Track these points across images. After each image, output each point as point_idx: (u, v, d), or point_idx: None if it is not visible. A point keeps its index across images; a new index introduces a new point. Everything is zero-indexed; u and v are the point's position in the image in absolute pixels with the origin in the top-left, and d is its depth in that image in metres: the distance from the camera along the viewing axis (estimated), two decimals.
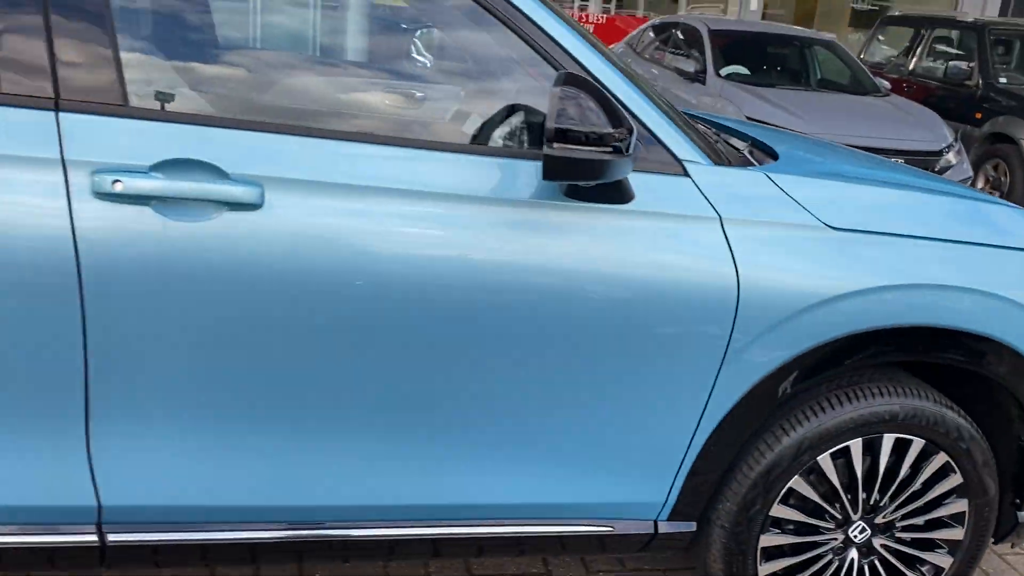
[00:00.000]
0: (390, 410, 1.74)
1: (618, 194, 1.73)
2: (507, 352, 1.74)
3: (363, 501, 1.80)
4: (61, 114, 1.55)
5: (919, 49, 9.43)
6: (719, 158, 1.90)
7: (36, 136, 1.53)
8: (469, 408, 1.77)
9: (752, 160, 2.09)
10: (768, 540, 2.06)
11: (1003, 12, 12.76)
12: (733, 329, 1.81)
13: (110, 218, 1.54)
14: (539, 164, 1.70)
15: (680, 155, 1.83)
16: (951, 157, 6.52)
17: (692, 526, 2.01)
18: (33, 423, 1.62)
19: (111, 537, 1.71)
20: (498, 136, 1.94)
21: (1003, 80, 8.24)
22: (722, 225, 1.81)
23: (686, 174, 1.83)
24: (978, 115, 8.14)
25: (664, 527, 1.98)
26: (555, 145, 1.54)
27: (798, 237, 1.87)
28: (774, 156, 2.22)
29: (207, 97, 1.87)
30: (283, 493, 1.76)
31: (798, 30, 8.87)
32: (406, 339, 1.69)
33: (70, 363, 1.58)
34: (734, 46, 7.86)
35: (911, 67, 9.33)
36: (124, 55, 1.59)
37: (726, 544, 2.03)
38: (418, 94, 2.10)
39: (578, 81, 1.59)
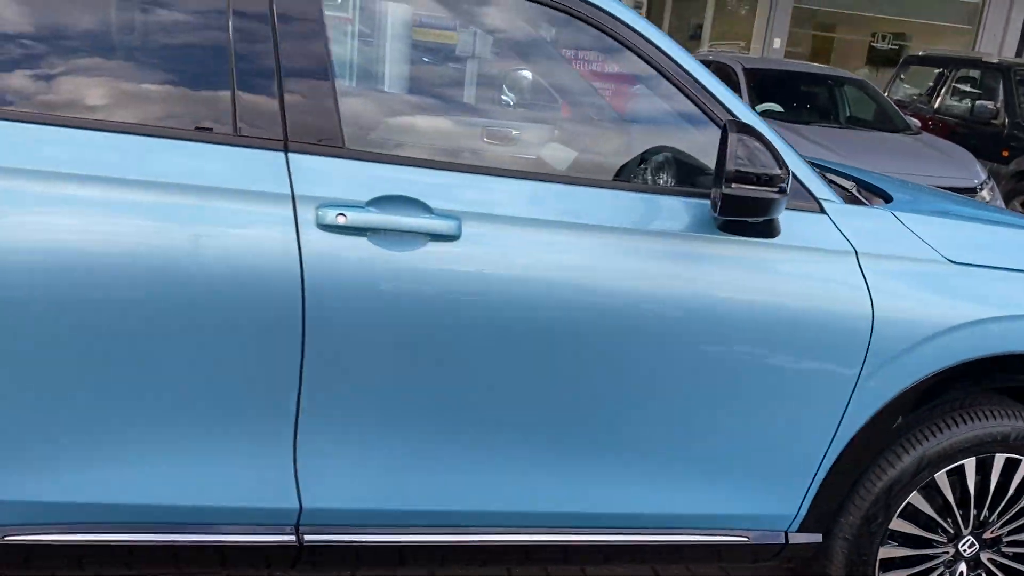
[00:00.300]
0: (563, 426, 1.91)
1: (768, 229, 1.92)
2: (666, 374, 1.91)
3: (531, 508, 1.97)
4: (290, 155, 1.74)
5: (943, 89, 9.68)
6: (847, 197, 2.09)
7: (270, 174, 1.72)
8: (630, 426, 1.94)
9: (862, 199, 2.27)
10: (886, 552, 2.21)
11: (1019, 52, 13.05)
12: (867, 355, 1.98)
13: (332, 247, 1.72)
14: (693, 200, 1.89)
15: (817, 194, 2.02)
16: (985, 194, 6.70)
17: (819, 538, 2.17)
18: (247, 430, 1.79)
19: (307, 537, 1.87)
20: (644, 174, 2.13)
21: None
22: (858, 259, 1.99)
23: (823, 211, 2.01)
24: (1005, 153, 8.36)
25: (794, 538, 2.14)
26: (733, 185, 1.73)
27: (923, 271, 2.05)
28: (881, 195, 2.40)
29: (410, 139, 2.06)
30: (462, 499, 1.92)
31: (830, 69, 9.12)
32: (582, 360, 1.86)
33: (288, 377, 1.75)
34: (767, 84, 8.09)
35: (936, 106, 9.57)
36: (341, 103, 1.78)
37: (848, 555, 2.19)
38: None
39: (747, 128, 1.78)
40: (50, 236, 1.61)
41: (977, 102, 8.69)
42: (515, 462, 1.92)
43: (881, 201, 2.33)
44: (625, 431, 1.95)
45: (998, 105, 8.59)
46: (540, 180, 1.90)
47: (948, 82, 9.68)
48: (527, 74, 2.11)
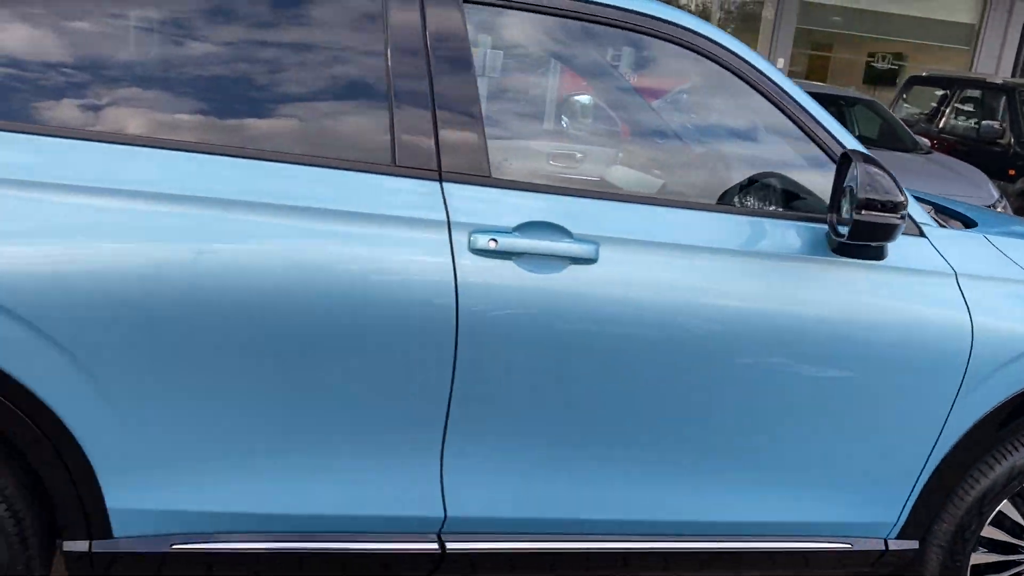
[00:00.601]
0: (689, 438, 2.01)
1: (878, 253, 2.03)
2: (785, 389, 2.03)
3: (649, 517, 2.07)
4: (444, 184, 1.85)
5: (947, 109, 9.89)
6: (941, 221, 2.21)
7: (427, 202, 1.83)
8: (752, 439, 2.05)
9: (943, 223, 2.39)
10: (977, 558, 2.33)
11: (1014, 73, 13.32)
12: (966, 372, 2.10)
13: (483, 270, 1.83)
14: (804, 224, 2.02)
15: (918, 219, 2.15)
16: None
17: (915, 544, 2.28)
18: (398, 443, 1.89)
19: (450, 545, 1.97)
20: (748, 199, 2.25)
21: None
22: (957, 280, 2.11)
23: (923, 235, 2.14)
24: (1011, 172, 8.56)
25: (893, 545, 2.25)
26: (863, 212, 1.85)
27: (1015, 291, 2.17)
28: (958, 218, 2.53)
29: (547, 168, 2.17)
30: (591, 508, 2.02)
31: (840, 89, 9.31)
32: (708, 378, 1.97)
33: (440, 390, 1.85)
34: None
35: (940, 126, 9.78)
36: (488, 134, 1.89)
37: (943, 562, 2.30)
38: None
39: (870, 158, 1.90)
40: (242, 265, 1.71)
41: (983, 122, 8.89)
42: (642, 473, 2.03)
43: (960, 224, 2.46)
44: (747, 444, 2.06)
45: (1004, 125, 8.80)
46: (667, 206, 2.01)
47: (952, 102, 9.89)
48: (652, 112, 2.23)
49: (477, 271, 1.83)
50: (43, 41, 1.76)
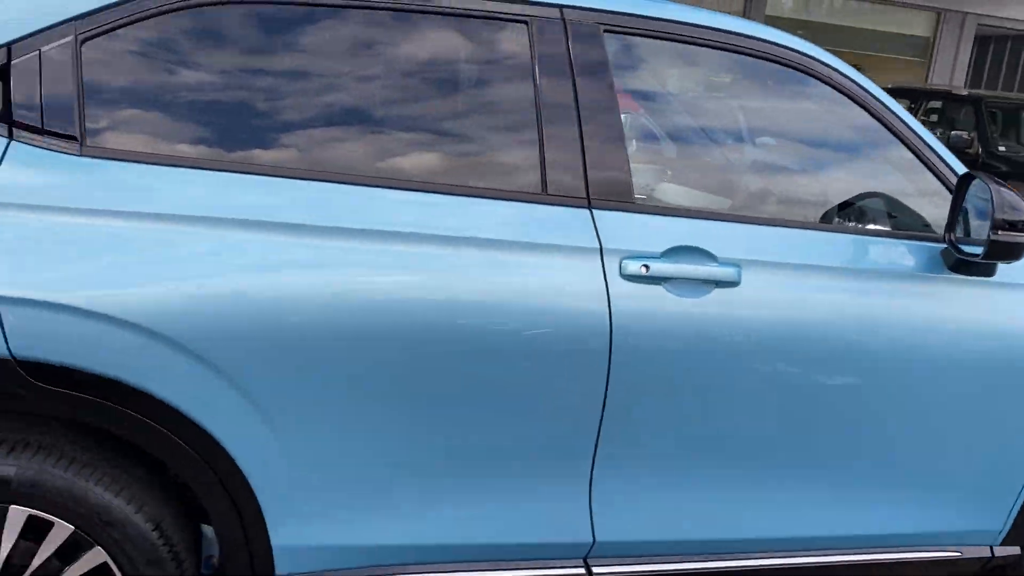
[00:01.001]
0: (826, 455, 2.06)
1: (989, 270, 2.11)
2: (909, 404, 2.08)
3: (784, 534, 2.11)
4: (594, 211, 1.86)
5: None
6: None
7: (579, 229, 1.84)
8: (881, 454, 2.10)
9: None
10: None
11: (966, 84, 13.82)
12: None
13: (634, 295, 1.85)
14: (917, 243, 2.08)
15: None
16: None
17: (1017, 550, 2.35)
18: (548, 471, 1.90)
19: (596, 570, 1.98)
20: (853, 219, 2.31)
21: (1002, 148, 9.01)
22: None
23: None
24: None
25: (999, 551, 2.32)
26: (999, 232, 1.91)
27: None
28: None
29: (688, 193, 2.19)
30: (735, 527, 2.05)
31: None
32: (844, 394, 2.02)
33: (592, 414, 1.87)
34: None
35: None
36: (633, 164, 1.92)
37: None
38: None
39: (999, 180, 1.97)
40: (409, 298, 1.71)
41: (952, 132, 9.21)
42: (780, 491, 2.06)
43: None
44: (877, 459, 2.11)
45: (972, 135, 9.12)
46: (796, 227, 2.06)
47: (917, 114, 10.22)
48: (769, 139, 2.28)
49: (629, 297, 1.84)
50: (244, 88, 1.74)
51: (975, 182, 2.02)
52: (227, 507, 1.70)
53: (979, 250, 1.98)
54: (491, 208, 1.81)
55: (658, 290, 1.87)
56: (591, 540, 1.96)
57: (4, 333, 1.51)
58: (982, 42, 13.79)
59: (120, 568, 1.69)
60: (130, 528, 1.67)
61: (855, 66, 2.18)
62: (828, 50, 2.17)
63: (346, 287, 1.68)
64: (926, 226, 2.21)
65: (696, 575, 2.07)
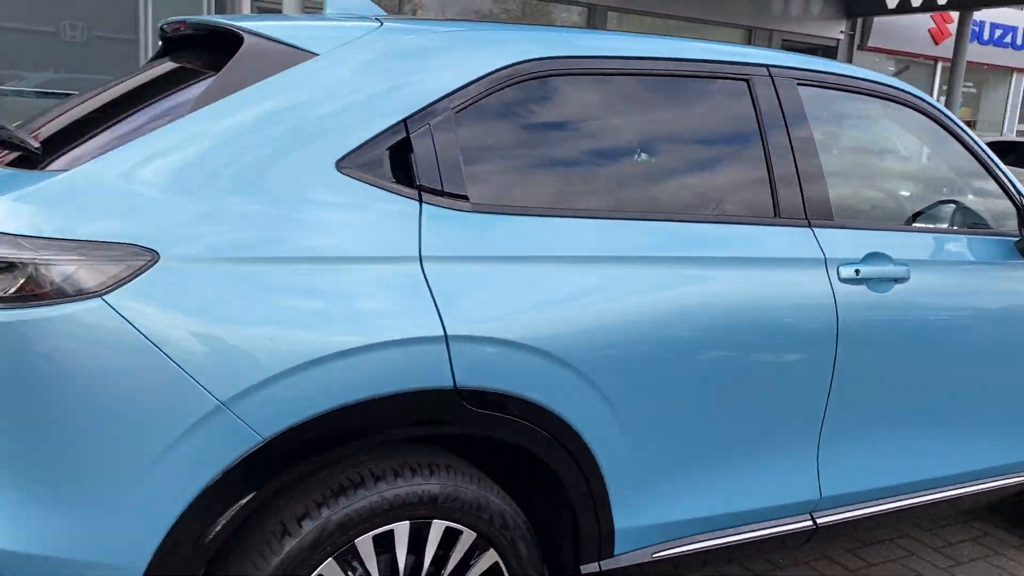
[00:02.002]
0: (951, 409, 2.62)
1: None
2: (1003, 361, 2.69)
3: (942, 473, 2.66)
4: (814, 229, 2.32)
5: None
6: None
7: (806, 244, 2.29)
8: (981, 403, 2.69)
9: None
10: None
11: None
12: None
13: (850, 293, 2.33)
14: (994, 238, 2.70)
15: None
16: None
17: None
18: (782, 441, 2.32)
19: (821, 520, 2.43)
20: (940, 220, 2.91)
21: None
22: None
23: None
24: None
25: None
26: None
27: None
28: None
29: (861, 210, 2.67)
30: (909, 473, 2.57)
31: None
32: (983, 357, 2.60)
33: (822, 389, 2.32)
34: None
35: None
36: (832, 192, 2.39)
37: None
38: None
39: None
40: (693, 305, 2.09)
41: None
42: (941, 441, 2.61)
43: None
44: (997, 406, 2.70)
45: None
46: (926, 232, 2.61)
47: None
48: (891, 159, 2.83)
49: (847, 294, 2.32)
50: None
51: None
52: (586, 498, 2.00)
53: None
54: (744, 232, 2.22)
55: (862, 288, 2.36)
56: (818, 496, 2.41)
57: (452, 367, 1.76)
58: None
59: (508, 566, 1.95)
60: (516, 530, 1.95)
61: None
62: None
63: (679, 302, 2.04)
64: (994, 224, 2.84)
65: (884, 514, 2.57)
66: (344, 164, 1.77)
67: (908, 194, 2.81)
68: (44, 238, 1.52)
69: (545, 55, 2.03)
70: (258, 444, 1.62)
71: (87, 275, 1.52)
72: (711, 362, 2.12)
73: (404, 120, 1.84)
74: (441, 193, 1.85)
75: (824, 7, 15.65)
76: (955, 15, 15.65)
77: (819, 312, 2.27)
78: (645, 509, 2.12)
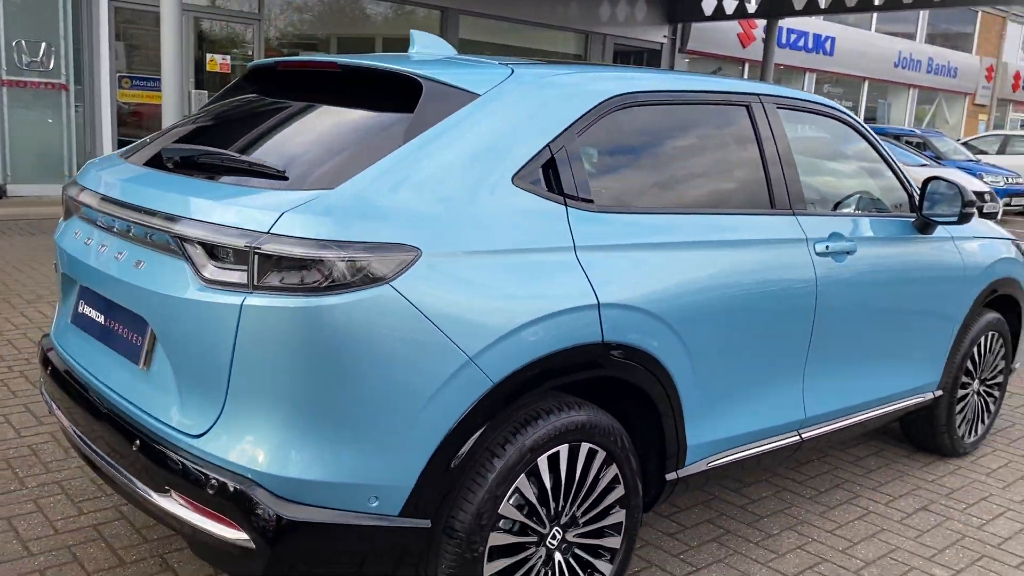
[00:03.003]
0: (876, 346, 3.52)
1: (931, 230, 3.73)
2: (912, 305, 3.63)
3: (869, 398, 3.55)
4: (796, 216, 3.12)
5: None
6: None
7: (792, 228, 3.08)
8: (890, 341, 3.61)
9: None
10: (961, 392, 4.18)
11: None
12: (967, 282, 3.91)
13: (821, 264, 3.14)
14: (899, 219, 3.64)
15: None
16: None
17: (941, 393, 4.04)
18: (782, 375, 3.11)
19: (805, 435, 3.24)
20: (868, 209, 3.80)
21: None
22: (955, 241, 3.90)
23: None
24: None
25: (936, 393, 3.99)
26: (966, 208, 3.50)
27: (977, 242, 4.03)
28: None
29: (820, 199, 3.45)
30: (858, 396, 3.44)
31: None
32: (897, 303, 3.51)
33: (806, 334, 3.12)
34: None
35: None
36: (804, 187, 3.19)
37: (949, 402, 4.11)
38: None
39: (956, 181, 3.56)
40: (730, 276, 2.81)
41: None
42: (870, 372, 3.49)
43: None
44: (896, 345, 3.62)
45: None
46: (864, 216, 3.48)
47: None
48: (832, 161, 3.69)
49: (820, 264, 3.13)
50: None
51: (938, 181, 3.60)
52: (670, 419, 2.67)
53: (954, 218, 3.57)
54: (747, 220, 2.97)
55: (829, 259, 3.18)
56: (803, 416, 3.22)
57: (602, 326, 2.39)
58: (622, 56, 16.77)
59: (624, 478, 2.59)
60: (628, 450, 2.59)
61: None
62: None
63: (721, 272, 2.76)
64: (896, 209, 3.77)
65: (840, 430, 3.43)
66: (516, 179, 2.34)
67: (843, 186, 3.67)
68: (345, 242, 2.01)
69: (627, 91, 2.68)
70: (489, 388, 2.18)
71: (379, 268, 2.03)
72: (741, 313, 2.84)
73: (548, 144, 2.44)
74: (576, 198, 2.46)
75: (648, 14, 17.02)
76: (761, 23, 17.51)
77: (805, 276, 3.07)
78: (702, 429, 2.83)
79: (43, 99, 10.64)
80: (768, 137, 3.11)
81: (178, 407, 2.17)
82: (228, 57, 11.97)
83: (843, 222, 3.34)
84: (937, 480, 4.07)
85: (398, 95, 2.43)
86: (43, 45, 10.43)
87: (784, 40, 19.86)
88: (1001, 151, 19.51)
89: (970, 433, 4.38)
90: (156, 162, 2.58)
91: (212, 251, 2.08)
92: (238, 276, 2.03)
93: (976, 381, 4.31)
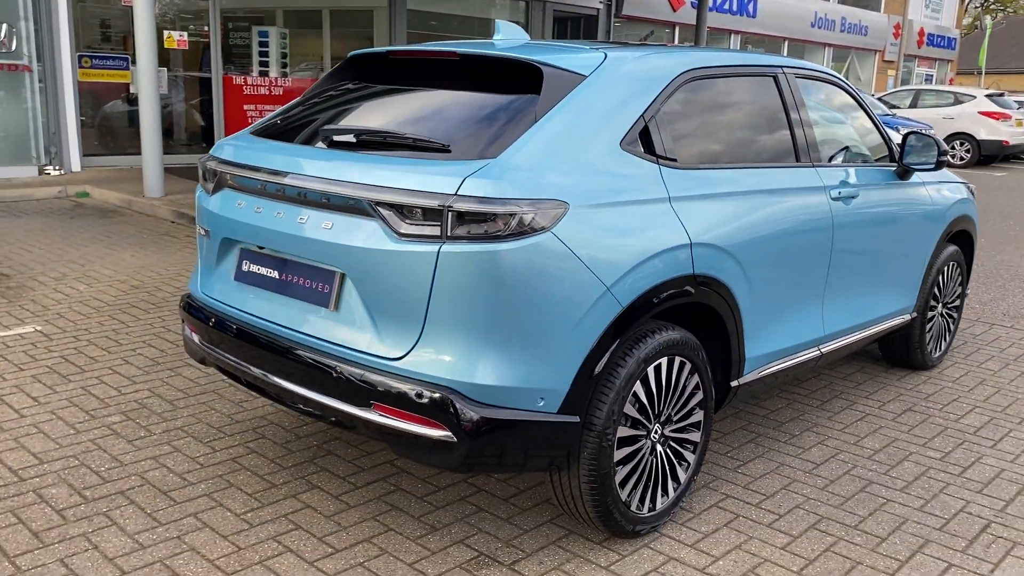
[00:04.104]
0: (870, 273, 4.22)
1: (910, 176, 4.44)
2: (892, 239, 4.34)
3: (868, 318, 4.25)
4: (817, 168, 3.76)
5: None
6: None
7: (813, 178, 3.72)
8: (877, 270, 4.32)
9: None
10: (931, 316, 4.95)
11: None
12: (937, 216, 4.65)
13: (835, 206, 3.80)
14: (883, 168, 4.34)
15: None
16: None
17: (916, 314, 4.79)
18: (809, 299, 3.76)
19: (824, 349, 3.93)
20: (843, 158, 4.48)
21: None
22: (925, 185, 4.62)
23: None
24: None
25: (912, 315, 4.74)
26: (942, 157, 4.20)
27: (941, 185, 4.76)
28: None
29: (828, 153, 4.08)
30: (860, 315, 4.14)
31: None
32: (884, 237, 4.20)
33: (824, 268, 3.78)
34: None
35: None
36: (818, 142, 3.83)
37: (922, 322, 4.88)
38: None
39: (929, 133, 4.26)
40: (775, 218, 3.44)
41: None
42: (867, 294, 4.20)
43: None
44: (886, 272, 4.33)
45: None
46: (859, 167, 4.15)
47: None
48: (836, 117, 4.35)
49: (835, 207, 3.79)
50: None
51: (917, 135, 4.30)
52: (736, 335, 3.30)
53: (932, 166, 4.28)
54: (781, 171, 3.60)
55: (840, 203, 3.84)
56: (823, 333, 3.89)
57: (692, 261, 2.99)
58: (560, 22, 17.29)
59: (703, 387, 3.20)
60: (707, 362, 3.21)
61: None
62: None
63: (770, 214, 3.39)
64: (879, 159, 4.45)
65: (846, 346, 4.12)
66: (623, 144, 2.90)
67: (839, 140, 4.33)
68: (516, 199, 2.54)
69: (691, 67, 3.26)
70: (620, 311, 2.76)
71: (541, 219, 2.57)
72: (782, 248, 3.48)
73: (642, 114, 3.00)
74: (665, 158, 3.04)
75: None
76: None
77: (825, 217, 3.73)
78: (756, 345, 3.46)
79: (8, 81, 10.63)
80: (792, 103, 3.73)
81: (375, 337, 2.68)
82: (184, 34, 12.06)
83: (847, 172, 4.00)
84: (915, 388, 4.83)
85: (519, 78, 2.95)
86: (4, 27, 10.40)
87: (711, 4, 20.66)
88: (913, 105, 20.82)
89: (936, 349, 5.16)
90: (300, 138, 3.07)
91: (403, 211, 2.59)
92: (430, 230, 2.55)
93: (940, 304, 5.08)
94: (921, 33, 30.40)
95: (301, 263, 2.89)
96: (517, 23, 3.62)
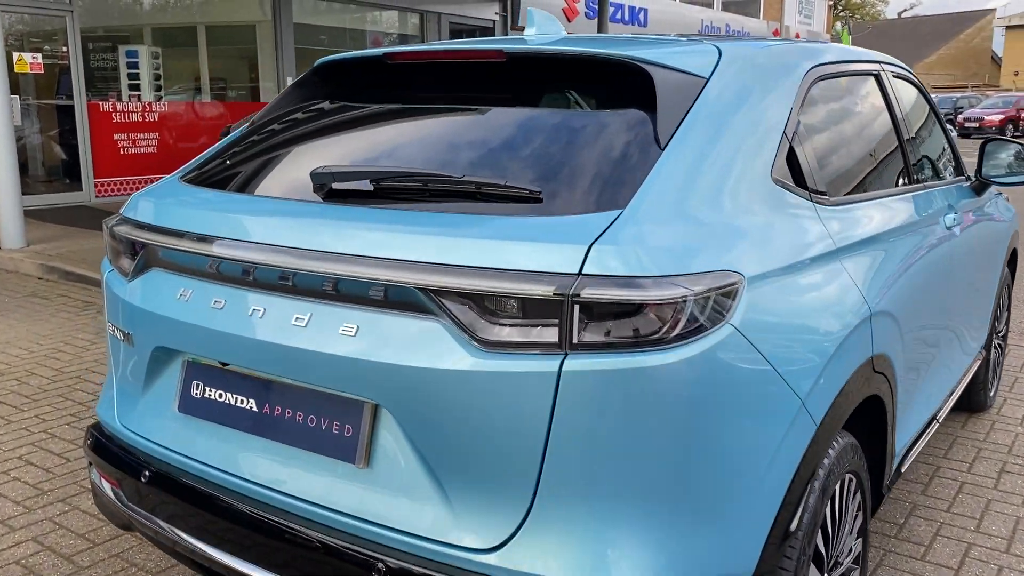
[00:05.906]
0: (959, 318, 3.44)
1: (984, 190, 3.68)
2: (979, 271, 3.56)
3: None
4: (929, 191, 2.93)
5: None
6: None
7: (929, 203, 2.88)
8: (971, 308, 3.54)
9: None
10: None
11: None
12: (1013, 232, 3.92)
13: (948, 231, 2.97)
14: (956, 185, 3.57)
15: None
16: None
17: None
18: (935, 359, 2.92)
19: (940, 416, 3.08)
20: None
21: None
22: (995, 201, 3.89)
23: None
24: None
25: (982, 354, 4.00)
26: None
27: (999, 202, 4.04)
28: None
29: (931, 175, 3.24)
30: None
31: None
32: (969, 273, 3.41)
33: (945, 315, 2.95)
34: None
35: None
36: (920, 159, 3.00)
37: None
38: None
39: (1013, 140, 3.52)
40: (917, 262, 2.58)
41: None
42: (955, 348, 3.40)
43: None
44: (971, 311, 3.52)
45: None
46: (951, 186, 3.34)
47: None
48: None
49: (948, 232, 2.96)
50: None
51: (997, 141, 3.54)
52: (892, 425, 2.39)
53: (1019, 179, 3.52)
54: (914, 199, 2.76)
55: (950, 232, 3.02)
56: (941, 396, 3.06)
57: (872, 340, 2.07)
58: (456, 34, 16.35)
59: (863, 502, 2.28)
60: (865, 468, 2.29)
61: None
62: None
63: (915, 255, 2.54)
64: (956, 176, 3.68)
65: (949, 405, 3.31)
66: (773, 175, 1.96)
67: (927, 153, 3.54)
68: (676, 275, 1.55)
69: (816, 63, 2.35)
70: (814, 432, 1.80)
71: (719, 305, 1.59)
72: (924, 298, 2.63)
73: (784, 131, 2.06)
74: (816, 191, 2.11)
75: None
76: None
77: (945, 249, 2.90)
78: (901, 432, 2.58)
79: None
80: (897, 110, 2.89)
81: (442, 514, 1.63)
82: (39, 56, 10.46)
83: (947, 192, 3.20)
84: (988, 439, 4.08)
85: (608, 85, 1.98)
86: None
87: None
88: None
89: (992, 386, 4.46)
90: (267, 187, 2.00)
91: (490, 305, 1.56)
92: (539, 334, 1.53)
93: (995, 335, 4.37)
94: (797, 36, 31.05)
95: (300, 388, 1.81)
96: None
